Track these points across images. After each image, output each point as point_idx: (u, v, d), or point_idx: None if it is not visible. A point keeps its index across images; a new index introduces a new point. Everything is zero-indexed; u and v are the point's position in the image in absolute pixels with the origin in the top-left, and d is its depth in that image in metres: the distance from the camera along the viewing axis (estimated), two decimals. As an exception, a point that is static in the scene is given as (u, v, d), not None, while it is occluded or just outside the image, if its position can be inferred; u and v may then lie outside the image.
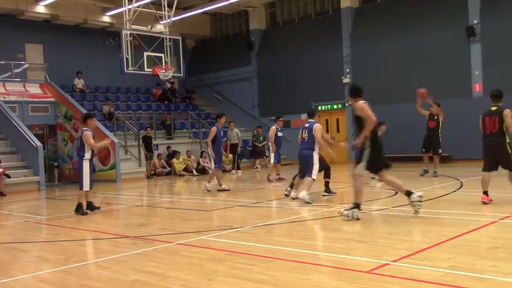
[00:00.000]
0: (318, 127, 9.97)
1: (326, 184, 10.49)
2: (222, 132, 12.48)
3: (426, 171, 12.67)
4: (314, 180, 9.65)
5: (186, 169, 19.29)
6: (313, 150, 9.91)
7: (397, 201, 8.95)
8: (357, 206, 7.31)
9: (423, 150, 12.83)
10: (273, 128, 14.09)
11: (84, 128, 9.57)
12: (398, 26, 19.51)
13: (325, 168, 10.45)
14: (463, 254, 5.01)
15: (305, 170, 9.84)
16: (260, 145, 20.86)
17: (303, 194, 9.24)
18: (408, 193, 7.23)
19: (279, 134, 14.29)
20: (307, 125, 10.08)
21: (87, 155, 9.44)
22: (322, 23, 22.27)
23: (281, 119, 14.67)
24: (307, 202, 9.07)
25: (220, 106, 25.96)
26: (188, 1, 22.64)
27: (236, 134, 18.72)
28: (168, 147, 20.23)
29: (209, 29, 27.26)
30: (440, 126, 12.78)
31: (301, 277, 4.52)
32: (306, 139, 9.96)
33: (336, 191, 10.49)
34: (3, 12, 20.35)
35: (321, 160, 10.28)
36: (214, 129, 12.10)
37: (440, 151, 12.64)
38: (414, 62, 18.95)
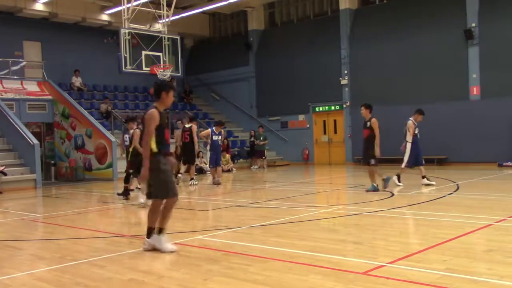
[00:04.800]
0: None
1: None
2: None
3: (388, 178, 10.97)
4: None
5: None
6: None
7: (393, 203, 8.97)
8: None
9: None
10: (208, 130, 14.85)
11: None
12: (396, 28, 19.55)
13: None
14: (459, 257, 5.02)
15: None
16: (261, 143, 20.91)
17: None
18: None
19: (215, 138, 14.49)
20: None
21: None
22: (320, 24, 22.29)
23: (222, 126, 15.38)
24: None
25: (217, 106, 25.99)
26: (187, 0, 22.62)
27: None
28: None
29: (207, 29, 27.26)
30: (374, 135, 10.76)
31: (297, 277, 4.52)
32: None
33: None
34: (1, 9, 20.30)
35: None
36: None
37: (372, 161, 10.74)
38: (412, 64, 19.00)
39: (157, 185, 5.81)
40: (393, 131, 19.22)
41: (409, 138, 11.83)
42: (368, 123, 10.73)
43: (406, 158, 11.77)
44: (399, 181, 11.56)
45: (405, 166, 11.77)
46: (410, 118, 12.02)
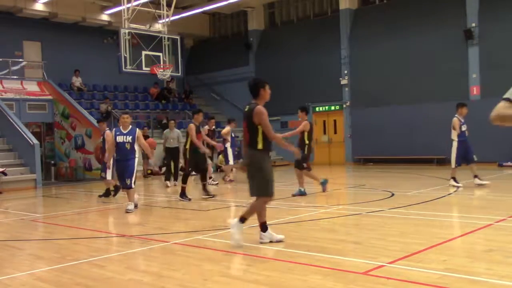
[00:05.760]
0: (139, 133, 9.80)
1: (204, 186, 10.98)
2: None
3: (301, 192, 10.59)
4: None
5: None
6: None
7: (393, 203, 8.97)
8: None
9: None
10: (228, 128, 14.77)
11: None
12: (396, 28, 19.55)
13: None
14: (459, 257, 5.02)
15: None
16: None
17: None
18: None
19: (233, 134, 14.96)
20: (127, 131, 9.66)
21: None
22: (320, 25, 22.29)
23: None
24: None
25: (217, 106, 25.98)
26: (187, 0, 22.63)
27: (177, 136, 14.46)
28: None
29: (207, 29, 27.26)
30: (305, 137, 10.41)
31: (297, 278, 4.52)
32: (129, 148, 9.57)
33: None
34: (1, 9, 20.31)
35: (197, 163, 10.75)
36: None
37: (304, 165, 10.49)
38: (412, 64, 19.00)
39: (260, 182, 5.85)
40: (392, 131, 19.33)
41: (454, 136, 11.31)
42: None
43: (452, 158, 11.26)
44: (457, 182, 11.01)
45: (455, 167, 11.19)
46: (456, 115, 11.49)
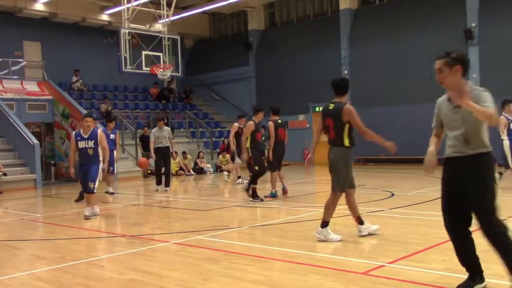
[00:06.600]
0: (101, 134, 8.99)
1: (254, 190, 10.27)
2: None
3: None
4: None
5: (182, 169, 19.28)
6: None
7: (393, 203, 8.97)
8: None
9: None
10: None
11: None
12: (396, 28, 19.54)
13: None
14: (459, 257, 5.01)
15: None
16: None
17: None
18: None
19: None
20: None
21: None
22: (320, 24, 22.29)
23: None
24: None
25: (217, 106, 25.99)
26: (187, 0, 22.64)
27: (168, 134, 12.86)
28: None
29: (207, 29, 27.26)
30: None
31: (297, 277, 4.52)
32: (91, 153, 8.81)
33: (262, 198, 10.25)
34: (1, 9, 20.30)
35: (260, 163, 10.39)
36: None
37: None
38: (412, 64, 18.97)
39: (342, 178, 6.02)
40: (392, 131, 19.26)
41: (503, 135, 10.48)
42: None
43: (509, 159, 10.60)
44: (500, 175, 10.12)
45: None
46: (503, 113, 10.46)
